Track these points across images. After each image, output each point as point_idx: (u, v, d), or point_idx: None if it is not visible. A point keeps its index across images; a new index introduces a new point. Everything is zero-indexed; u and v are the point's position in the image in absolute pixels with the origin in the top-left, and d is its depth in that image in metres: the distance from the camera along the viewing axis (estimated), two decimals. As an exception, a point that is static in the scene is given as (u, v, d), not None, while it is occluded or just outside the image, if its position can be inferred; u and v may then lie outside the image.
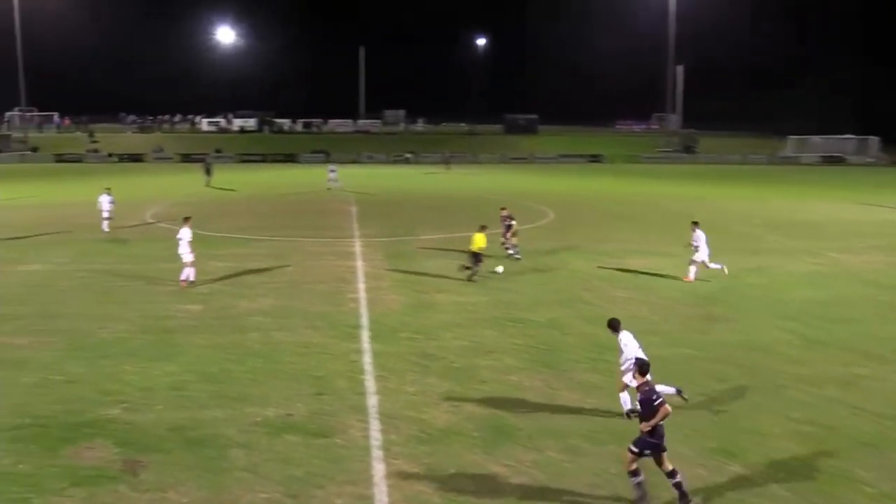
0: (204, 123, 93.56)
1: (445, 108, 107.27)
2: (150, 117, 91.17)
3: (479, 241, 21.32)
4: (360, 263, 24.13)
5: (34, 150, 77.50)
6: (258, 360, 14.81)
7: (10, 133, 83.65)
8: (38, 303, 18.89)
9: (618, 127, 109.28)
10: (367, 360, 14.87)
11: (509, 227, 24.46)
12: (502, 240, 24.80)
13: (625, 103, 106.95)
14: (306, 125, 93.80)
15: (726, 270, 21.76)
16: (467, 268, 21.51)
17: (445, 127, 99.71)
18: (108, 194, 30.41)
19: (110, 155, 75.76)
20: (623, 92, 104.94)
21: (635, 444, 9.58)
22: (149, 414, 12.22)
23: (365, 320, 17.54)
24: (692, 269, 21.69)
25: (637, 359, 10.39)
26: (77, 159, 75.12)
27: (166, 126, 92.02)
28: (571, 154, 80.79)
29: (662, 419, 9.47)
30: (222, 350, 15.31)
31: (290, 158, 76.96)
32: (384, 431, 11.72)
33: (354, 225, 32.70)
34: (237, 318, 17.60)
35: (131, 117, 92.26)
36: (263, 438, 11.42)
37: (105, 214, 29.89)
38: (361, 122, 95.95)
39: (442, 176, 60.76)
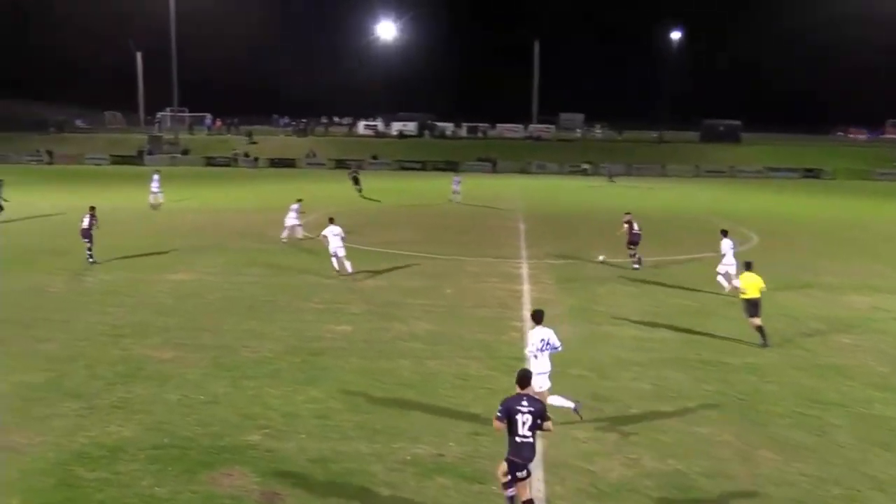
0: (360, 127, 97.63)
1: (630, 112, 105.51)
2: (304, 120, 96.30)
3: (753, 284, 18.30)
4: (526, 287, 24.21)
5: (185, 152, 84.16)
6: (409, 390, 15.05)
7: (161, 134, 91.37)
8: (185, 315, 20.30)
9: (837, 135, 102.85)
10: (531, 398, 14.72)
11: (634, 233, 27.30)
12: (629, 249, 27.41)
13: (845, 107, 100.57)
14: (471, 130, 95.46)
15: (733, 285, 22.53)
16: (758, 328, 18.37)
17: (630, 134, 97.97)
18: (298, 204, 32.78)
19: (256, 159, 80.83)
20: (842, 93, 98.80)
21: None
22: (290, 442, 12.71)
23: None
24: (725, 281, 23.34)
25: (520, 370, 10.42)
26: (227, 162, 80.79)
27: (320, 129, 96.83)
28: (781, 167, 76.90)
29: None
30: (371, 377, 15.71)
31: (451, 166, 78.59)
32: (548, 482, 11.51)
33: (522, 244, 32.85)
34: (388, 343, 18.02)
35: (284, 119, 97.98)
36: (412, 479, 11.54)
37: (290, 222, 32.20)
38: (533, 126, 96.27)
39: (618, 190, 59.71)
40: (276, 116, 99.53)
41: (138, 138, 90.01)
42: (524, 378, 10.14)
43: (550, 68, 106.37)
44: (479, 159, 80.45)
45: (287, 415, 13.83)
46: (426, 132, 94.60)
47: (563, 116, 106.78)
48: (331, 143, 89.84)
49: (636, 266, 27.02)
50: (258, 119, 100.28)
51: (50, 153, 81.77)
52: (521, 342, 18.12)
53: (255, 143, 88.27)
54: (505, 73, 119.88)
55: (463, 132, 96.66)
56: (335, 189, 55.17)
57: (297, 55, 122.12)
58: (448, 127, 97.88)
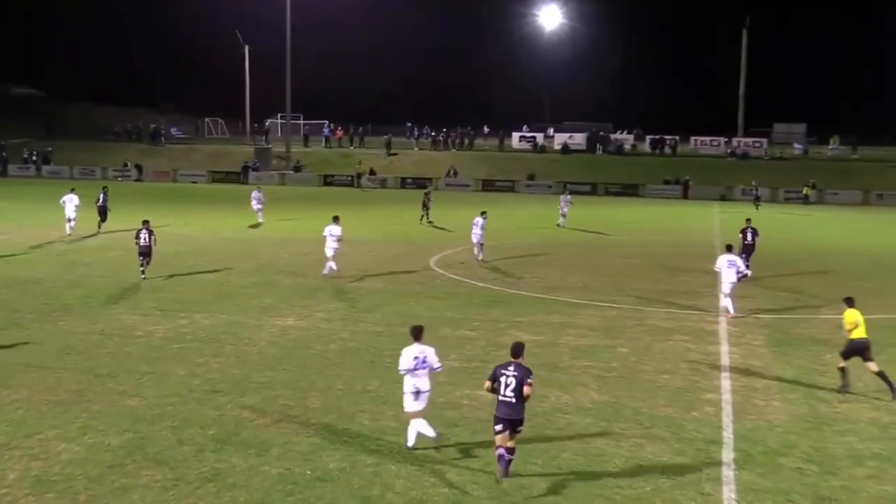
0: (515, 139, 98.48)
1: (872, 122, 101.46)
2: (444, 130, 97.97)
3: (855, 323, 19.91)
4: (725, 348, 23.81)
5: (298, 168, 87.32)
6: (576, 480, 14.92)
7: (269, 146, 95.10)
8: (292, 369, 20.93)
9: None
10: (730, 495, 14.38)
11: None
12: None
13: None
14: (656, 144, 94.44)
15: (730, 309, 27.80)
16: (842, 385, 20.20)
17: (868, 151, 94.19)
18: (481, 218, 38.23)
19: (382, 179, 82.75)
20: None
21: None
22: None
23: (728, 435, 17.03)
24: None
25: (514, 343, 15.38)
26: (349, 181, 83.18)
27: (464, 141, 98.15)
28: None
29: None
30: (523, 457, 15.62)
31: (630, 190, 78.03)
32: None
33: (719, 291, 32.20)
34: (546, 416, 17.96)
35: (417, 130, 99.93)
36: None
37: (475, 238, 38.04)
38: (739, 140, 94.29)
39: (856, 225, 57.46)
40: (409, 125, 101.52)
41: (243, 151, 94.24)
42: (517, 349, 15.06)
43: (762, 64, 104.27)
44: (667, 182, 79.48)
45: (413, 500, 13.98)
46: (598, 146, 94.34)
47: (778, 128, 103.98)
48: (477, 158, 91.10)
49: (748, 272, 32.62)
50: (386, 129, 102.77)
51: (139, 167, 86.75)
52: (717, 422, 17.71)
53: (394, 153, 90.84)
54: (701, 70, 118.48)
55: (645, 146, 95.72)
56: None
57: (436, 51, 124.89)
58: (626, 140, 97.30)
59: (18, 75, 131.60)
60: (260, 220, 49.27)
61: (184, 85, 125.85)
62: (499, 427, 14.56)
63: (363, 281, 32.80)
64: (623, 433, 17.05)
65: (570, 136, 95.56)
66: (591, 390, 19.79)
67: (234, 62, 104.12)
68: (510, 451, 14.61)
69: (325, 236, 33.39)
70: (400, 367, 15.84)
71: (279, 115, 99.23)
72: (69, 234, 43.26)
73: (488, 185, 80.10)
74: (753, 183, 73.47)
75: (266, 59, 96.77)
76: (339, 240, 33.30)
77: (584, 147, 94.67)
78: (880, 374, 19.60)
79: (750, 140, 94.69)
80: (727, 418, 18.04)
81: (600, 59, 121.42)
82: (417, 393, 15.81)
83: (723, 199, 73.68)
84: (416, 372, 15.78)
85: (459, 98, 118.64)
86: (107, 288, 30.81)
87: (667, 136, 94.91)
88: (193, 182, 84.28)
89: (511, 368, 14.65)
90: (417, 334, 16.06)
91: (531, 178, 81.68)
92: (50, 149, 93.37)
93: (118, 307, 27.62)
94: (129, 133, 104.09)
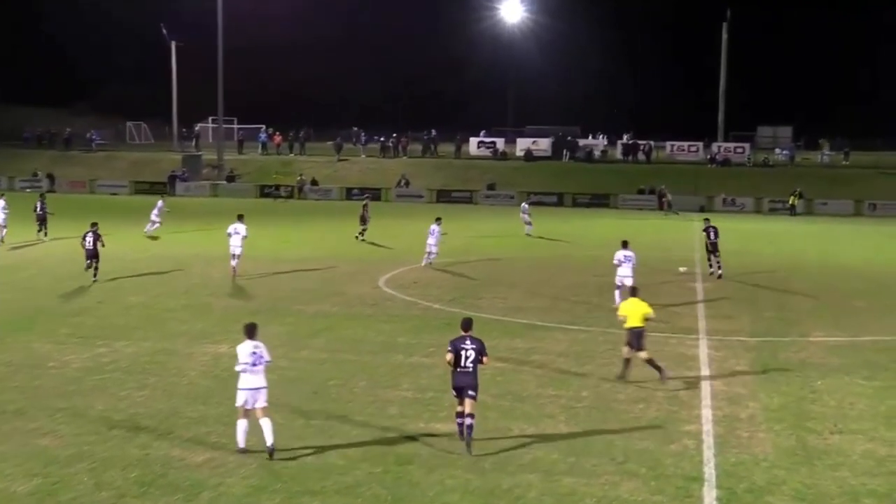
0: (472, 145, 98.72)
1: (864, 126, 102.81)
2: (394, 135, 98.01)
3: (634, 312, 23.28)
4: (705, 373, 23.95)
5: (231, 178, 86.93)
6: (536, 519, 14.93)
7: (200, 153, 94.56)
8: (226, 402, 20.56)
9: None
10: (714, 538, 14.43)
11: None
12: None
13: None
14: (628, 150, 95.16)
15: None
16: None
17: (860, 157, 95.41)
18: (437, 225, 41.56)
19: (303, 183, 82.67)
20: None
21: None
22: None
23: (710, 470, 17.13)
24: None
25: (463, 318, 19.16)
26: (288, 193, 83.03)
27: (416, 147, 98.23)
28: None
29: None
30: (483, 498, 15.65)
31: (601, 201, 78.47)
32: None
33: (700, 312, 32.60)
34: (509, 450, 17.97)
35: (363, 135, 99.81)
36: None
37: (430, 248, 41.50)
38: (719, 145, 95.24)
39: (842, 233, 58.21)
40: (356, 129, 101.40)
41: (170, 158, 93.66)
42: (467, 323, 18.73)
43: (745, 62, 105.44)
44: (641, 191, 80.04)
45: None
46: (565, 152, 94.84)
47: (762, 131, 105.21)
48: (431, 166, 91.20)
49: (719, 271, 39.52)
50: (330, 133, 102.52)
51: (51, 177, 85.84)
52: (697, 456, 17.81)
53: (343, 159, 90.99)
54: (678, 68, 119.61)
55: (617, 153, 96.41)
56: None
57: (381, 49, 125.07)
58: (596, 145, 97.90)
59: None
60: (148, 231, 51.92)
61: (102, 84, 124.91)
62: (458, 396, 18.26)
63: (306, 303, 32.67)
64: (595, 470, 17.07)
65: (534, 142, 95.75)
66: (558, 422, 19.81)
67: (159, 59, 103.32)
68: (472, 416, 17.99)
69: (229, 234, 38.02)
70: (237, 365, 17.84)
71: (210, 118, 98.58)
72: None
73: (444, 196, 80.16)
74: (662, 187, 75.89)
75: (195, 55, 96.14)
76: (245, 238, 38.06)
77: (549, 153, 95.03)
78: (649, 362, 23.00)
79: (731, 145, 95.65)
80: (709, 452, 18.11)
81: (567, 57, 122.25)
82: (254, 390, 17.68)
83: (702, 209, 74.27)
84: (255, 368, 17.75)
85: (413, 99, 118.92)
86: (15, 312, 30.46)
87: (641, 141, 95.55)
88: (113, 194, 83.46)
89: (468, 342, 18.33)
90: (251, 332, 18.20)
91: (491, 187, 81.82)
92: None
93: (28, 334, 27.29)
94: (39, 138, 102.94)
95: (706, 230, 40.76)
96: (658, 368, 22.95)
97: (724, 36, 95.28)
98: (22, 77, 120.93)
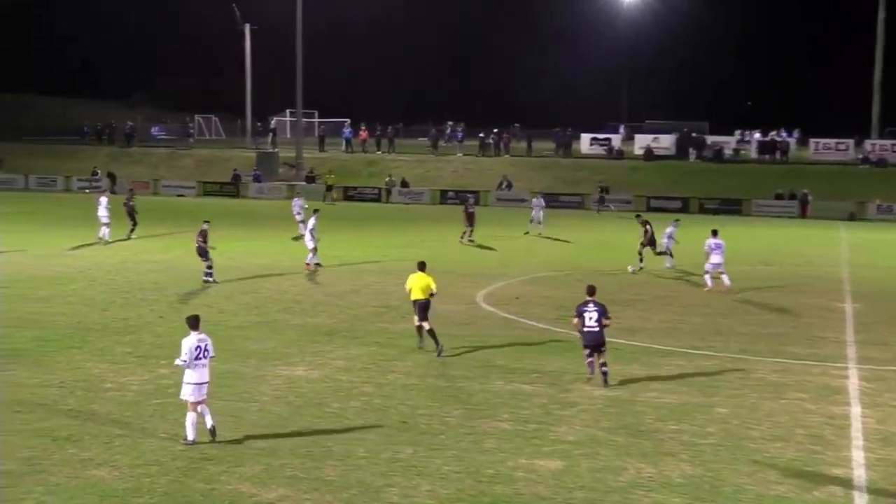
0: (584, 142, 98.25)
1: None
2: (494, 131, 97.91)
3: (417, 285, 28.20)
4: (856, 410, 23.52)
5: (311, 178, 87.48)
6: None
7: (275, 151, 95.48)
8: (301, 432, 20.89)
9: None
10: None
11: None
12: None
13: None
14: (764, 148, 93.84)
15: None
16: None
17: None
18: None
19: (392, 184, 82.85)
20: None
21: None
22: None
23: (864, 523, 16.80)
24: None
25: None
26: (375, 196, 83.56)
27: (518, 145, 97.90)
28: None
29: None
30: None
31: (732, 206, 77.43)
32: None
33: (849, 337, 32.01)
34: (624, 493, 17.84)
35: (459, 131, 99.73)
36: None
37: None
38: (873, 143, 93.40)
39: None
40: (450, 124, 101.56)
41: (241, 156, 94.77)
42: (591, 289, 22.09)
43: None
44: (779, 196, 78.86)
45: None
46: (691, 151, 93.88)
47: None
48: (536, 167, 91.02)
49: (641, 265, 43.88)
50: (421, 129, 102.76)
51: (112, 176, 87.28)
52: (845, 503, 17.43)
53: (442, 156, 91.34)
54: (824, 53, 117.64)
55: (752, 152, 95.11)
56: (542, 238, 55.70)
57: (483, 32, 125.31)
58: (727, 143, 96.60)
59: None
60: (302, 232, 49.86)
61: (168, 74, 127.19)
62: (587, 352, 24.89)
63: (391, 322, 32.77)
64: (724, 518, 16.86)
65: (655, 139, 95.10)
66: (681, 461, 19.59)
67: (231, 46, 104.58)
68: (604, 364, 24.67)
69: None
70: (181, 359, 19.88)
71: (288, 111, 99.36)
72: None
73: (551, 200, 79.74)
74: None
75: (272, 41, 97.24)
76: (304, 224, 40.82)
77: (672, 152, 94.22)
78: (430, 332, 27.86)
79: (888, 143, 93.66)
80: (860, 501, 17.76)
81: (693, 42, 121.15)
82: (199, 385, 19.90)
83: (851, 217, 72.92)
84: (199, 362, 19.90)
85: (515, 91, 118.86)
86: (67, 327, 31.05)
87: (779, 138, 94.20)
88: (179, 195, 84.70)
89: (591, 306, 24.72)
90: (195, 324, 20.31)
91: (605, 190, 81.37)
92: None
93: (82, 353, 27.78)
94: (98, 133, 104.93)
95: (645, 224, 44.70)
96: (436, 342, 27.74)
97: (882, 14, 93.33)
98: (72, 66, 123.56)
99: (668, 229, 45.48)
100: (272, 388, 24.46)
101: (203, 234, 39.62)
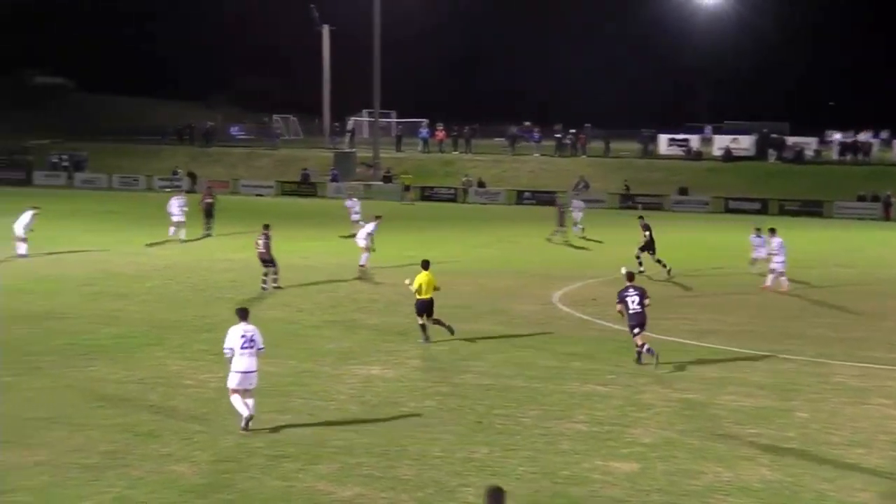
0: (662, 142, 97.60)
1: None
2: (572, 131, 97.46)
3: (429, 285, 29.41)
4: (941, 417, 23.13)
5: (387, 178, 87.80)
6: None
7: (352, 151, 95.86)
8: (376, 431, 21.02)
9: None
10: None
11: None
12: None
13: None
14: (846, 149, 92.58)
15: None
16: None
17: None
18: None
19: (468, 184, 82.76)
20: None
21: None
22: None
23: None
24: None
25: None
26: (451, 197, 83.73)
27: (596, 146, 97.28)
28: None
29: None
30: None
31: (812, 208, 76.49)
32: None
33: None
34: (701, 498, 17.73)
35: (535, 131, 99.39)
36: None
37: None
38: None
39: None
40: (527, 125, 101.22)
41: (318, 156, 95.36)
42: (630, 274, 21.49)
43: None
44: (862, 198, 77.77)
45: None
46: (771, 152, 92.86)
47: None
48: (612, 167, 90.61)
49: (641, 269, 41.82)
50: (496, 129, 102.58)
51: (192, 176, 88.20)
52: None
53: (518, 156, 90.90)
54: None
55: (833, 153, 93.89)
56: (614, 237, 55.51)
57: (558, 32, 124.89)
58: (808, 143, 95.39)
59: (42, 61, 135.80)
60: (354, 232, 50.10)
61: (245, 74, 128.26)
62: (636, 330, 26.82)
63: (466, 321, 32.83)
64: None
65: (735, 139, 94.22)
66: (759, 466, 19.43)
67: (309, 46, 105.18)
68: (645, 344, 26.60)
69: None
70: (225, 346, 20.84)
71: (365, 111, 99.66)
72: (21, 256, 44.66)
73: (627, 201, 79.49)
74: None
75: (350, 41, 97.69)
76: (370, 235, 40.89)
77: (751, 153, 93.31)
78: (437, 321, 29.46)
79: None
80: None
81: (773, 42, 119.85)
82: (245, 373, 20.64)
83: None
84: (245, 351, 20.65)
85: (590, 90, 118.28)
86: (147, 325, 31.50)
87: (861, 138, 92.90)
88: (258, 195, 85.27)
89: (631, 290, 26.90)
90: (244, 315, 21.25)
91: (683, 191, 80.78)
92: (84, 153, 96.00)
93: (161, 349, 28.19)
94: (179, 133, 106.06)
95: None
96: (447, 327, 29.46)
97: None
98: (151, 67, 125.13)
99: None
100: (348, 387, 24.62)
101: (265, 242, 38.26)
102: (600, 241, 54.93)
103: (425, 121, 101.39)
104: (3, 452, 19.28)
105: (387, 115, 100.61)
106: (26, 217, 45.09)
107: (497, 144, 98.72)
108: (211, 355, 27.38)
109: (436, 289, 29.57)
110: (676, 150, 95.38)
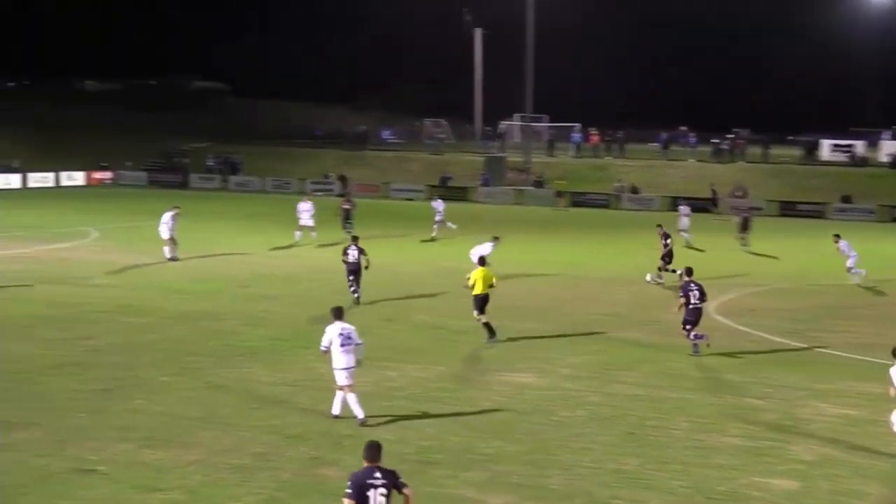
0: (825, 148, 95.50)
1: None
2: (728, 136, 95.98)
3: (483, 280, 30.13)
4: None
5: (539, 183, 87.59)
6: None
7: (504, 155, 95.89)
8: (526, 439, 21.00)
9: None
10: None
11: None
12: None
13: None
14: None
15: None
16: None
17: None
18: None
19: (621, 190, 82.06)
20: None
21: None
22: None
23: None
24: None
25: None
26: (603, 203, 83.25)
27: (754, 151, 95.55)
28: None
29: None
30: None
31: None
32: None
33: None
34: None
35: (691, 136, 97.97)
36: None
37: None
38: None
39: None
40: (683, 129, 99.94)
41: (468, 160, 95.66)
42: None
43: None
44: None
45: None
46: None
47: None
48: (771, 173, 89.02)
49: (659, 280, 42.01)
50: (649, 134, 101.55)
51: (343, 179, 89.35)
52: None
53: (673, 161, 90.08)
54: None
55: None
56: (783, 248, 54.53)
57: (715, 33, 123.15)
58: None
59: (200, 67, 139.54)
60: (434, 235, 53.47)
61: (394, 77, 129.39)
62: (688, 327, 28.68)
63: (617, 329, 32.62)
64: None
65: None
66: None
67: (462, 50, 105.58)
68: (697, 336, 28.57)
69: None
70: (323, 344, 21.74)
71: (517, 115, 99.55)
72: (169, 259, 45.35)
73: (787, 209, 78.00)
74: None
75: (502, 44, 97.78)
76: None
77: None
78: (486, 325, 29.97)
79: None
80: None
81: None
82: (348, 369, 21.66)
83: None
84: (345, 348, 21.58)
85: (747, 94, 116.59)
86: (295, 327, 31.95)
87: None
88: (408, 199, 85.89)
89: (692, 286, 28.84)
90: (339, 314, 22.14)
91: (846, 199, 78.94)
92: (239, 156, 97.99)
93: (310, 352, 28.46)
94: (330, 137, 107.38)
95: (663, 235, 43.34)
96: (491, 331, 29.98)
97: None
98: (303, 71, 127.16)
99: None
100: (497, 394, 24.61)
101: (357, 253, 36.37)
102: (702, 251, 53.75)
103: (578, 125, 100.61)
104: (160, 451, 19.78)
105: (538, 119, 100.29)
106: (167, 218, 45.57)
107: (650, 149, 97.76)
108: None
109: (491, 286, 30.20)
110: (839, 156, 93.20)
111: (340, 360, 21.62)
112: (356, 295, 35.94)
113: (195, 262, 45.48)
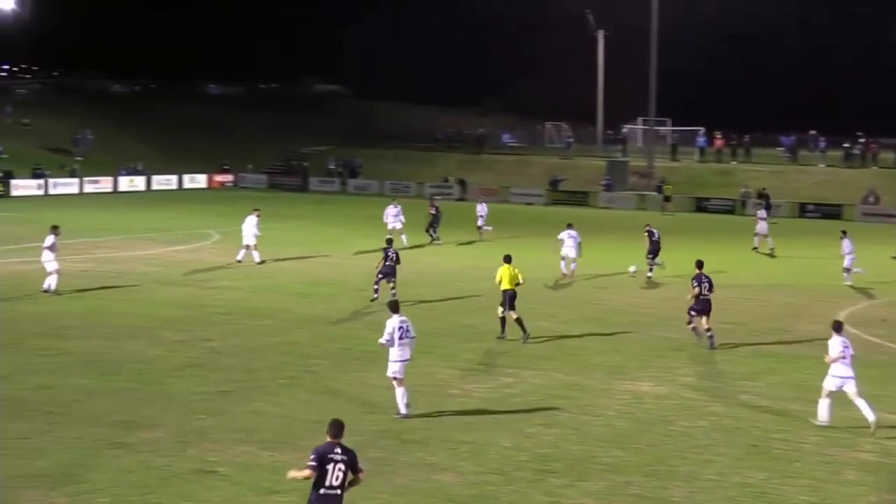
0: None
1: None
2: (861, 140, 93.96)
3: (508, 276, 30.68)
4: None
5: (660, 188, 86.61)
6: None
7: (627, 159, 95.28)
8: (646, 450, 20.81)
9: None
10: None
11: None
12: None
13: None
14: None
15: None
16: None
17: None
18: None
19: (747, 196, 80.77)
20: None
21: None
22: None
23: None
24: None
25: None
26: (728, 209, 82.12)
27: (886, 156, 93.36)
28: None
29: None
30: None
31: None
32: None
33: None
34: None
35: (821, 140, 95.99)
36: None
37: None
38: None
39: None
40: (813, 134, 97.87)
41: (589, 165, 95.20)
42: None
43: None
44: None
45: None
46: None
47: None
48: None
49: (648, 275, 43.39)
50: (777, 140, 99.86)
51: (462, 183, 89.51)
52: None
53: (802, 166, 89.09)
54: None
55: None
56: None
57: (847, 32, 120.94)
58: None
59: (321, 70, 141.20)
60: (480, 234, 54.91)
61: (515, 80, 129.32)
62: (695, 315, 30.43)
63: (739, 338, 32.15)
64: None
65: None
66: None
67: (584, 52, 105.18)
68: (709, 330, 30.10)
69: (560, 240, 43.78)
70: (384, 338, 22.73)
71: (640, 119, 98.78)
72: (238, 261, 45.43)
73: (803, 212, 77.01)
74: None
75: (625, 46, 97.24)
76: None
77: None
78: (518, 321, 30.39)
79: None
80: None
81: None
82: (404, 361, 22.62)
83: None
84: (402, 341, 22.65)
85: (881, 95, 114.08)
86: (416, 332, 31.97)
87: None
88: (528, 203, 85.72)
89: (704, 278, 30.32)
90: (395, 308, 23.41)
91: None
92: (359, 160, 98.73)
93: (430, 357, 28.56)
94: (450, 140, 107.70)
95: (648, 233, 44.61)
96: (523, 329, 30.44)
97: None
98: (423, 74, 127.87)
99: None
100: (617, 403, 24.47)
101: (395, 257, 37.11)
102: (772, 255, 53.73)
103: (702, 129, 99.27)
104: (278, 453, 19.97)
105: (662, 123, 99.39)
106: (251, 223, 45.46)
107: (778, 154, 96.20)
108: (478, 365, 27.75)
109: (517, 283, 30.80)
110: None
111: (398, 352, 22.61)
112: (376, 296, 36.40)
113: (313, 264, 46.02)
